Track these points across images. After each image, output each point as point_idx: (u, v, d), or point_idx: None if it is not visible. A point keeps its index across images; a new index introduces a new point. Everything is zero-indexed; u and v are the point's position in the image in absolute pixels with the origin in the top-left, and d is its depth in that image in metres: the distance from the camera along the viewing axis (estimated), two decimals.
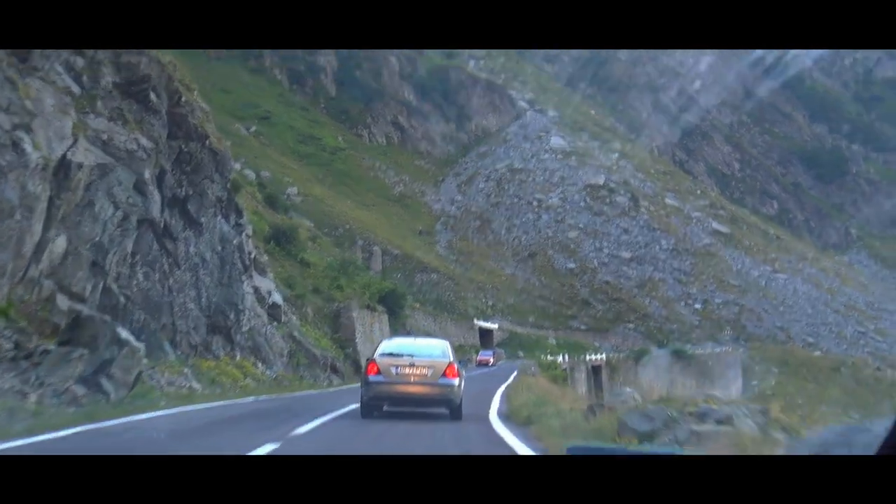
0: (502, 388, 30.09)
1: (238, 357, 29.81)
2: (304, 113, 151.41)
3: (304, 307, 38.86)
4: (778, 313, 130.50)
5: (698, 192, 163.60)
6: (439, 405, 17.54)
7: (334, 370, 36.75)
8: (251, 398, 22.40)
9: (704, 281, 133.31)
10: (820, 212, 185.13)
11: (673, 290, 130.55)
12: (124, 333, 17.13)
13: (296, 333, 35.16)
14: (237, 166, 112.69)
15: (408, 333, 55.58)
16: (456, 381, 17.13)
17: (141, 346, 17.91)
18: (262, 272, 34.89)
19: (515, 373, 45.13)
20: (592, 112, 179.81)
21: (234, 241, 30.80)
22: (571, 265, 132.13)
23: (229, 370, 27.13)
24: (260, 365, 30.68)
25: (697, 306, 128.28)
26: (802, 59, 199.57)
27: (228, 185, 30.92)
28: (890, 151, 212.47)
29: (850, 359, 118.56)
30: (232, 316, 29.95)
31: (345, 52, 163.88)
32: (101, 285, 23.50)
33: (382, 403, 17.63)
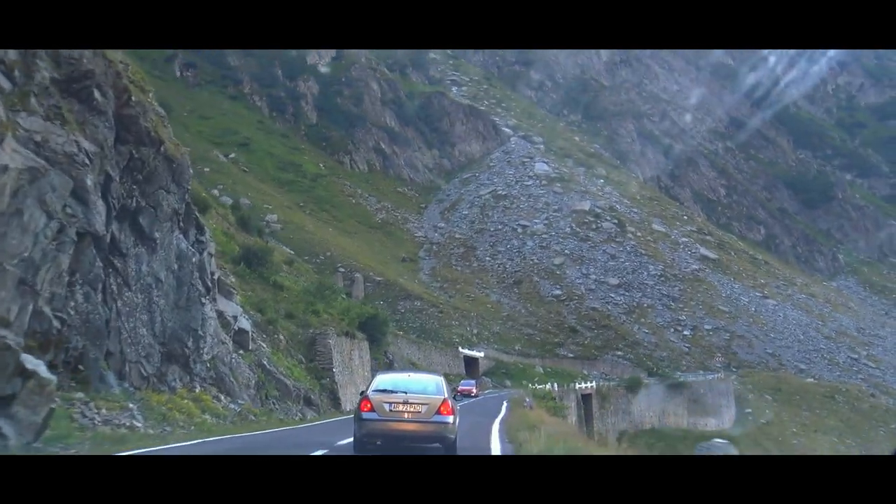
0: (497, 422, 26.76)
1: (198, 389, 26.33)
2: (285, 140, 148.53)
3: (276, 334, 35.36)
4: (769, 339, 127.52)
5: (685, 217, 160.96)
6: (433, 442, 16.85)
7: (308, 402, 33.18)
8: (200, 440, 18.85)
9: (693, 307, 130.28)
10: (807, 237, 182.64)
11: (662, 317, 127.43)
12: (31, 363, 13.71)
13: (265, 362, 31.64)
14: (215, 192, 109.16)
15: (390, 362, 52.17)
16: (451, 419, 16.67)
17: (53, 378, 14.45)
18: (228, 295, 31.40)
19: (506, 404, 41.68)
20: (577, 139, 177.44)
21: (194, 260, 27.33)
22: (558, 292, 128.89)
23: (185, 404, 23.60)
24: (223, 398, 27.16)
25: (687, 333, 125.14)
26: (789, 92, 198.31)
27: (187, 197, 27.46)
28: (875, 177, 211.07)
29: (844, 386, 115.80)
30: (190, 343, 26.45)
31: (326, 78, 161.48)
32: (30, 307, 20.04)
33: (376, 440, 16.90)
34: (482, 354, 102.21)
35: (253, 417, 26.88)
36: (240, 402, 27.90)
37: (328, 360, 37.28)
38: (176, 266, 26.43)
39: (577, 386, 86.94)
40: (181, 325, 26.22)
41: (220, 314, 30.27)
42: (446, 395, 17.10)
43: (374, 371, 47.73)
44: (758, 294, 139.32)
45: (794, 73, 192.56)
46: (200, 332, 27.06)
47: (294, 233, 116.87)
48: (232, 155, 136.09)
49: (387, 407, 16.42)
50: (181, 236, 27.03)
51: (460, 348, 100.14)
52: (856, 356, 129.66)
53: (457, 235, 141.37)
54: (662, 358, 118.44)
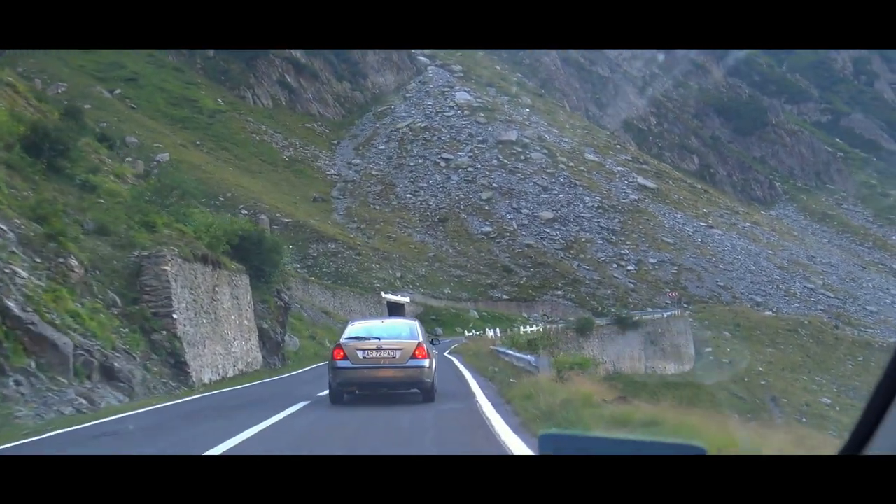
0: (497, 425, 11.97)
1: None
2: (178, 74, 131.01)
3: (65, 257, 19.73)
4: (718, 271, 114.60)
5: (617, 146, 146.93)
6: (410, 388, 16.92)
7: (109, 376, 17.74)
8: None
9: (636, 240, 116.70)
10: (742, 166, 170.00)
11: (603, 252, 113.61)
12: None
13: (13, 304, 16.02)
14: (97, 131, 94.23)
15: (285, 306, 36.70)
16: (426, 362, 16.43)
17: None
18: None
19: (463, 367, 26.73)
20: (498, 68, 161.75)
21: None
22: (487, 228, 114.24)
23: None
24: None
25: (631, 268, 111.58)
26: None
27: None
28: (804, 103, 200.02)
29: (806, 318, 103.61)
30: None
31: None
32: None
33: (352, 389, 16.92)
34: (408, 300, 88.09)
35: None
36: None
37: (163, 301, 21.65)
38: None
39: (522, 330, 72.72)
40: None
41: None
42: (421, 339, 16.84)
43: (260, 319, 32.26)
44: (702, 224, 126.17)
45: None
46: None
47: (188, 173, 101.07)
48: (117, 91, 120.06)
49: (360, 354, 16.14)
50: None
51: (383, 293, 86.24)
52: (812, 286, 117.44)
53: (373, 172, 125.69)
54: (607, 296, 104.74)
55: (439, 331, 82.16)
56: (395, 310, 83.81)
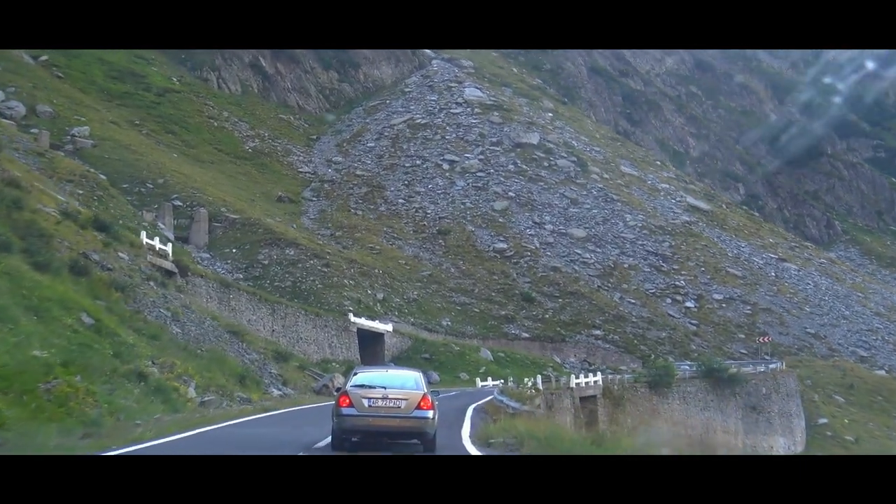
0: None
1: None
2: None
3: None
4: (804, 315, 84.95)
5: (657, 162, 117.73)
6: (412, 438, 15.85)
7: None
8: None
9: (693, 269, 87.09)
10: (796, 199, 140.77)
11: (651, 282, 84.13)
12: None
13: None
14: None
15: None
16: (430, 414, 15.58)
17: None
18: None
19: None
20: (514, 70, 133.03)
21: None
22: (502, 245, 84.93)
23: None
24: None
25: (689, 304, 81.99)
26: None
27: None
28: (855, 138, 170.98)
29: None
30: None
31: None
32: None
33: (354, 437, 15.87)
34: (389, 328, 58.74)
35: None
36: None
37: None
38: None
39: (574, 382, 43.12)
40: None
41: None
42: (426, 391, 15.82)
43: None
44: (772, 255, 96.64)
45: None
46: None
47: (112, 152, 75.00)
48: (44, 57, 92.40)
49: (366, 402, 15.29)
50: None
51: (353, 317, 56.69)
52: None
53: (358, 172, 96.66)
54: (661, 340, 75.13)
55: (435, 376, 52.90)
56: (370, 341, 54.69)
